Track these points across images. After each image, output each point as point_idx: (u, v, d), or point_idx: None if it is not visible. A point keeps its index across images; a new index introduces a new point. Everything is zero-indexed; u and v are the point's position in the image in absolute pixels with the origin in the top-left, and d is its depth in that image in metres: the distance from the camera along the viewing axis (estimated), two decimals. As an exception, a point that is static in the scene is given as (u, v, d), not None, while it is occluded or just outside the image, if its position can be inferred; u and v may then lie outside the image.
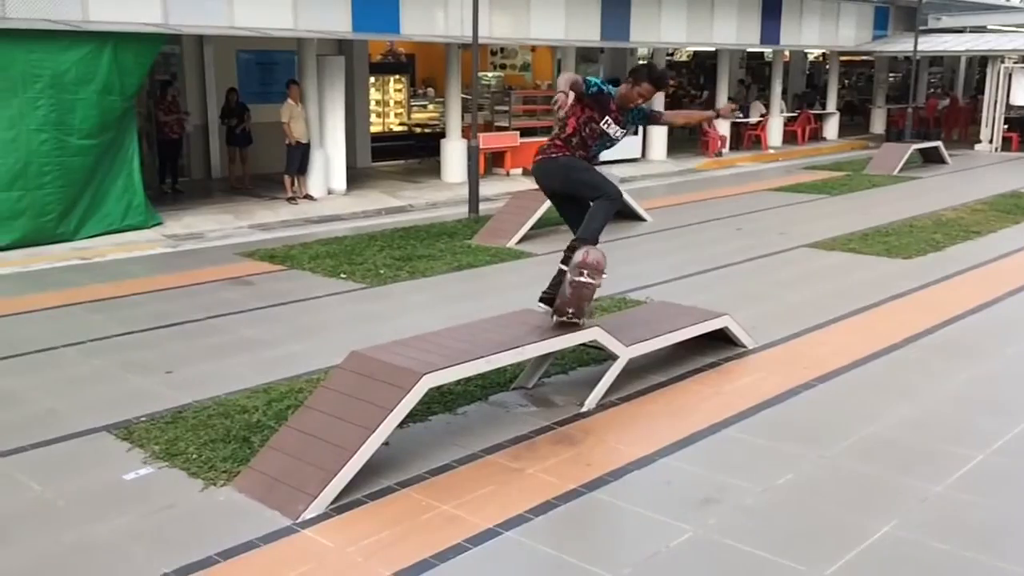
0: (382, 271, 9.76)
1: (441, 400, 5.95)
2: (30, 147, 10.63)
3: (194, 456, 5.14)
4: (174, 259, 10.81)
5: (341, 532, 4.41)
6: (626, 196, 12.80)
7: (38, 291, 9.13)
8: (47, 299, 8.76)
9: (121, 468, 5.07)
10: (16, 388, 6.35)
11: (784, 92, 24.37)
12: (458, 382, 5.96)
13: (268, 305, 8.56)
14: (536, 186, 6.33)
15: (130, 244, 11.25)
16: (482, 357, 5.35)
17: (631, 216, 12.95)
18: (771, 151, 22.28)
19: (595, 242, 5.87)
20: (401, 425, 5.10)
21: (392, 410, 4.84)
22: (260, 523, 4.47)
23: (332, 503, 4.61)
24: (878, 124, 26.88)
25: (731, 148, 21.63)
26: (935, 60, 30.70)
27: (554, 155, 5.90)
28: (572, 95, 5.46)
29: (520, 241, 11.14)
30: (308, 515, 4.51)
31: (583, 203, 5.97)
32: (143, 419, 5.72)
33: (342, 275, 9.66)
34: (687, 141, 22.75)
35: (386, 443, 4.96)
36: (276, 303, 8.63)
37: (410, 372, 5.01)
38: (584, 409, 5.92)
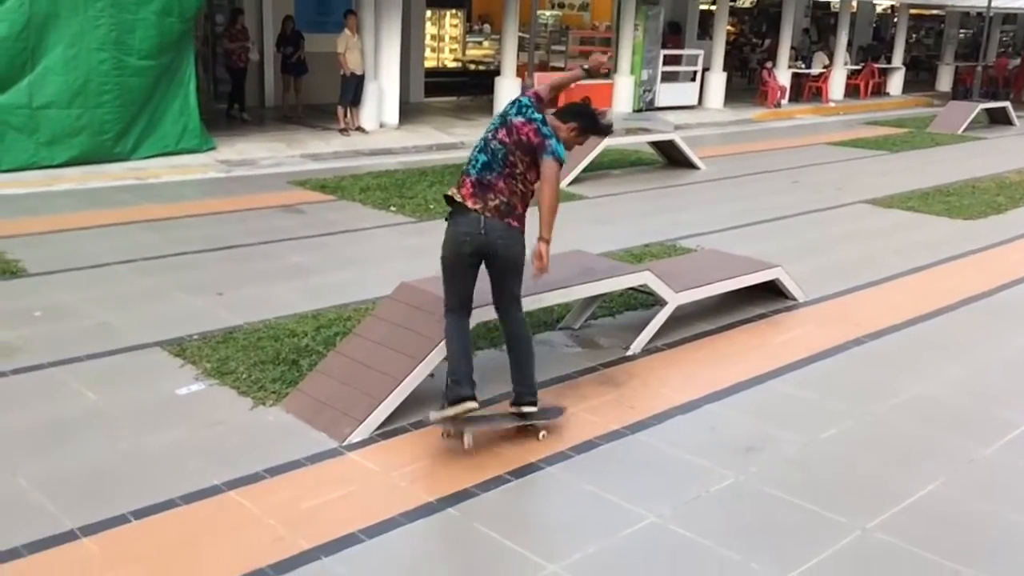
0: (431, 206, 9.75)
1: (487, 336, 5.97)
2: (90, 65, 10.70)
3: (244, 375, 5.24)
4: (226, 184, 10.90)
5: (385, 457, 4.48)
6: (680, 144, 12.67)
7: (94, 208, 9.27)
8: (102, 217, 8.90)
9: (174, 383, 5.18)
10: (71, 301, 6.49)
11: (849, 44, 23.66)
12: (505, 318, 5.96)
13: (318, 234, 8.61)
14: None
15: (184, 167, 11.35)
16: (530, 294, 5.34)
17: (685, 164, 12.77)
18: (832, 104, 21.73)
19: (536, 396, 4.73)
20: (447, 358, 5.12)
21: (439, 342, 4.87)
22: (307, 443, 4.55)
23: (377, 429, 4.68)
24: (944, 81, 26.09)
25: (790, 100, 21.11)
26: (1008, 17, 29.60)
27: (516, 225, 4.60)
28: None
29: (571, 183, 11.03)
30: (354, 439, 4.58)
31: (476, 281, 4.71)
32: (195, 337, 5.82)
33: (392, 208, 9.67)
34: (745, 91, 22.26)
35: (431, 375, 5.00)
36: (326, 232, 8.68)
37: (459, 305, 5.01)
38: (629, 353, 5.91)
